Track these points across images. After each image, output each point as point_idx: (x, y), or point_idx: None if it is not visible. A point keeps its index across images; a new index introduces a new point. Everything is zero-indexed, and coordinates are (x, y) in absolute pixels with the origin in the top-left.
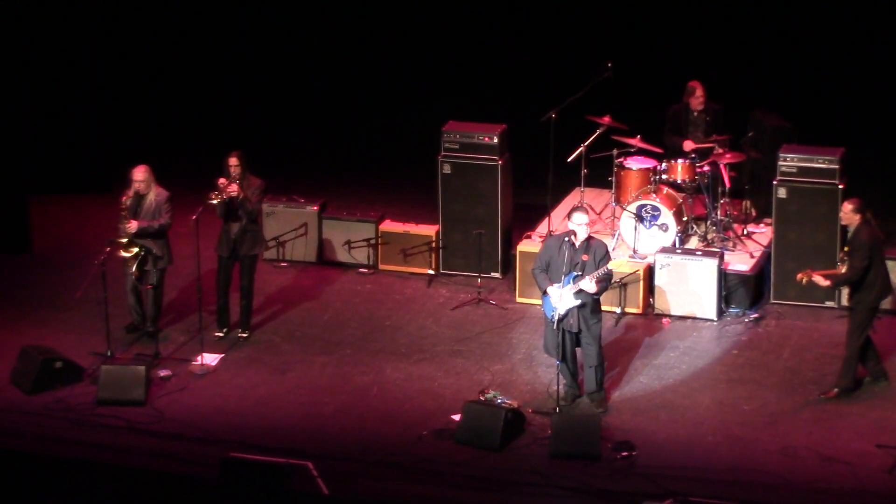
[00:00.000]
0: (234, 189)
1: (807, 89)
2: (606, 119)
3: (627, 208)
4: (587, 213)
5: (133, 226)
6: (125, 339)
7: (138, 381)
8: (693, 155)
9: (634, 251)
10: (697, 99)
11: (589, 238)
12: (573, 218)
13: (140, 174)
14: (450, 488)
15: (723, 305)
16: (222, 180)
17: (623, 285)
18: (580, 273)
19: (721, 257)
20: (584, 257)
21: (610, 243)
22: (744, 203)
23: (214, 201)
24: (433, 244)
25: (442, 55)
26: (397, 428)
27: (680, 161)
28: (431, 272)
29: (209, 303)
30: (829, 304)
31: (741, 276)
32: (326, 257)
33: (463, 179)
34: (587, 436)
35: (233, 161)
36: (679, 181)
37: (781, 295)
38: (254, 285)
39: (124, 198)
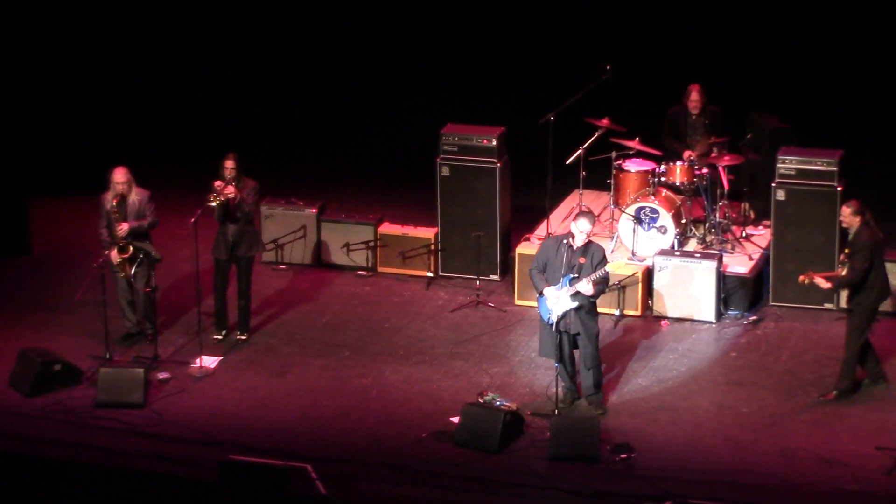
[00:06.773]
0: (230, 191)
1: (805, 91)
2: (605, 121)
3: (626, 210)
4: (593, 222)
5: (125, 228)
6: (124, 341)
7: (137, 383)
8: (692, 157)
9: (633, 253)
10: (692, 102)
11: (588, 241)
12: (578, 222)
13: (122, 176)
14: (448, 491)
15: (721, 307)
16: (218, 182)
17: (622, 287)
18: (577, 276)
19: (720, 259)
20: (582, 260)
21: (608, 246)
22: (742, 205)
23: (213, 203)
24: (432, 247)
25: (441, 57)
26: (396, 430)
27: (678, 163)
28: (430, 275)
29: (206, 306)
30: (827, 306)
31: (740, 279)
32: (325, 260)
33: (461, 182)
34: (586, 438)
35: (229, 164)
36: (678, 183)
37: (780, 297)
38: (251, 287)
39: (113, 202)
